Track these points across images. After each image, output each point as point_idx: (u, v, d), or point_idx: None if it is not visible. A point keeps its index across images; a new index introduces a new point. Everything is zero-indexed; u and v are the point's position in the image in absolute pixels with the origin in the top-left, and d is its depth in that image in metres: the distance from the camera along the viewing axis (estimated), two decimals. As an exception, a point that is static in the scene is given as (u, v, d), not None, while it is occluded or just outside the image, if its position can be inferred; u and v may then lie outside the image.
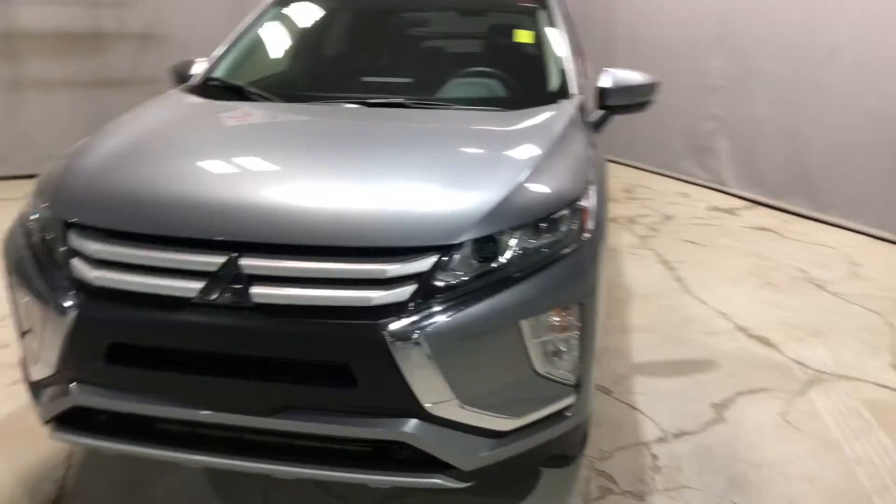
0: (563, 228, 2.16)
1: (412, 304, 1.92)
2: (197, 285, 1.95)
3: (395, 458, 2.04)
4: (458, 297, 1.96)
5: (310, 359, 1.94)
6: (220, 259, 1.95)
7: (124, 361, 2.01)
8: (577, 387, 2.20)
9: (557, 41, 3.32)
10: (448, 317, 1.93)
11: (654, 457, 2.81)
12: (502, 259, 2.04)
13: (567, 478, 2.67)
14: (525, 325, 2.03)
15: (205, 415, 2.01)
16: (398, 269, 1.94)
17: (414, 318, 1.91)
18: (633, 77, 3.21)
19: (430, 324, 1.91)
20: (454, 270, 1.99)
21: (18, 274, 2.16)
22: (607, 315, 4.03)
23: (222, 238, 1.96)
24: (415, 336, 1.88)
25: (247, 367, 1.96)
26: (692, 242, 5.48)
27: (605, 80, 3.15)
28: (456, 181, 2.18)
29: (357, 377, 1.92)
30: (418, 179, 2.20)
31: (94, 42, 7.15)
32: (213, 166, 2.26)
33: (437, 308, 1.94)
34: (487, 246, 2.04)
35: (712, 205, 6.55)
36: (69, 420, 2.14)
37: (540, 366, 2.10)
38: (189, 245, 1.99)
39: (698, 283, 4.62)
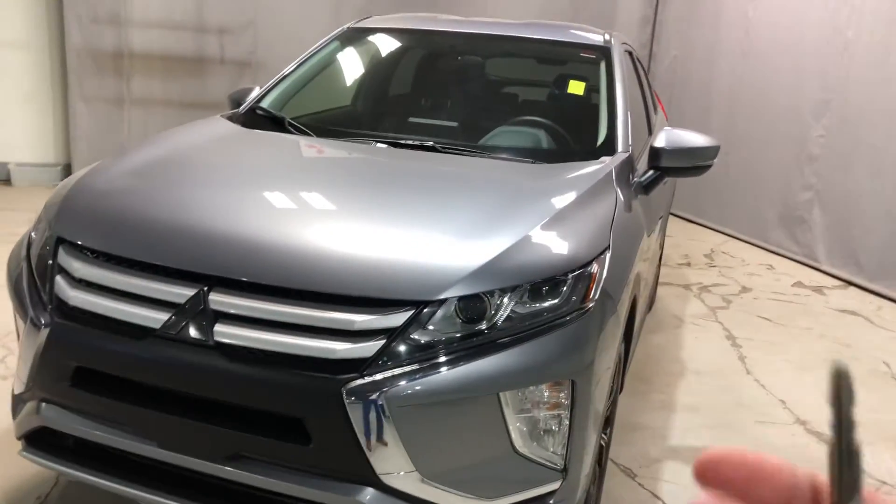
0: (563, 295, 1.97)
1: (379, 361, 1.78)
2: (163, 316, 1.88)
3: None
4: (431, 358, 1.81)
5: (265, 408, 1.82)
6: (189, 291, 1.88)
7: (88, 386, 1.96)
8: (565, 471, 1.99)
9: (613, 95, 3.15)
10: (416, 379, 1.78)
11: (667, 557, 2.53)
12: (488, 322, 1.88)
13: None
14: (506, 397, 1.85)
15: (160, 453, 1.92)
16: (367, 322, 1.81)
17: (378, 376, 1.76)
18: (692, 139, 2.99)
19: (395, 385, 1.76)
20: (433, 329, 1.84)
21: (13, 285, 2.17)
22: (651, 389, 3.74)
23: (193, 270, 1.89)
24: (374, 396, 1.74)
25: (204, 409, 1.87)
26: (766, 319, 5.08)
27: (660, 140, 2.95)
28: (450, 233, 2.04)
29: (311, 434, 1.78)
30: (411, 228, 2.08)
31: (196, 66, 7.46)
32: (204, 196, 2.22)
33: (405, 368, 1.78)
34: (474, 306, 1.88)
35: (798, 280, 6.08)
36: (38, 439, 2.10)
37: (521, 444, 1.90)
38: (163, 274, 1.93)
39: (762, 366, 4.24)
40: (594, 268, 2.07)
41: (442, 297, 1.85)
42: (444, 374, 1.79)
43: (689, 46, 7.94)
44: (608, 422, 2.74)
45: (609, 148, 2.87)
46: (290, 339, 1.81)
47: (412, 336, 1.82)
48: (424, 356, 1.80)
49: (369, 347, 1.79)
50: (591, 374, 1.96)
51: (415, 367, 1.79)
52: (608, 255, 2.15)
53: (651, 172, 3.05)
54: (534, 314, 1.92)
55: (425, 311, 1.84)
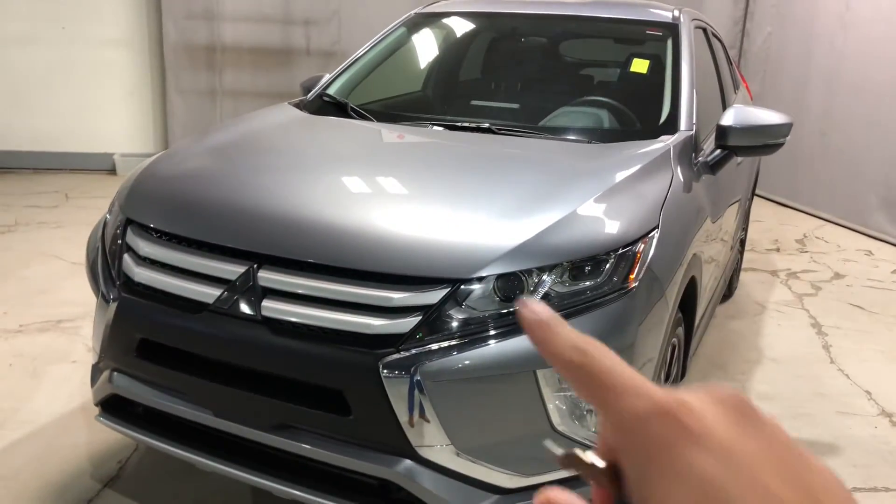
0: (604, 274, 1.95)
1: (415, 336, 1.82)
2: (216, 292, 1.98)
3: (392, 498, 1.94)
4: (467, 335, 1.84)
5: (308, 380, 1.90)
6: (240, 269, 1.98)
7: (152, 357, 2.09)
8: (606, 452, 1.97)
9: (678, 73, 3.06)
10: (452, 355, 1.81)
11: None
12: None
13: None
14: (543, 375, 1.86)
15: (215, 421, 2.03)
16: (404, 299, 1.85)
17: (413, 351, 1.81)
18: (762, 116, 2.88)
19: (430, 360, 1.80)
20: (470, 306, 1.87)
21: (90, 265, 2.34)
22: (725, 376, 3.64)
23: (243, 248, 1.98)
24: (409, 371, 1.78)
25: (254, 380, 1.96)
26: (859, 307, 4.82)
27: (727, 118, 2.85)
28: (491, 212, 2.05)
29: (351, 406, 1.85)
30: (452, 207, 2.10)
31: (283, 57, 7.70)
32: (257, 179, 2.31)
33: (441, 344, 1.82)
34: (511, 284, 1.90)
35: (898, 267, 5.74)
36: (111, 407, 2.26)
37: (559, 422, 1.91)
38: (218, 252, 2.03)
39: (849, 355, 4.04)
40: (639, 247, 2.04)
41: (478, 275, 1.87)
42: (479, 351, 1.82)
43: (784, 21, 7.57)
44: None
45: (671, 127, 2.80)
46: (331, 315, 1.87)
47: (449, 313, 1.85)
48: (460, 333, 1.83)
49: (406, 323, 1.83)
50: (632, 354, 1.94)
51: (450, 343, 1.82)
52: (656, 235, 2.11)
53: (718, 152, 2.96)
54: (573, 293, 1.91)
55: (462, 288, 1.87)
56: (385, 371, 1.79)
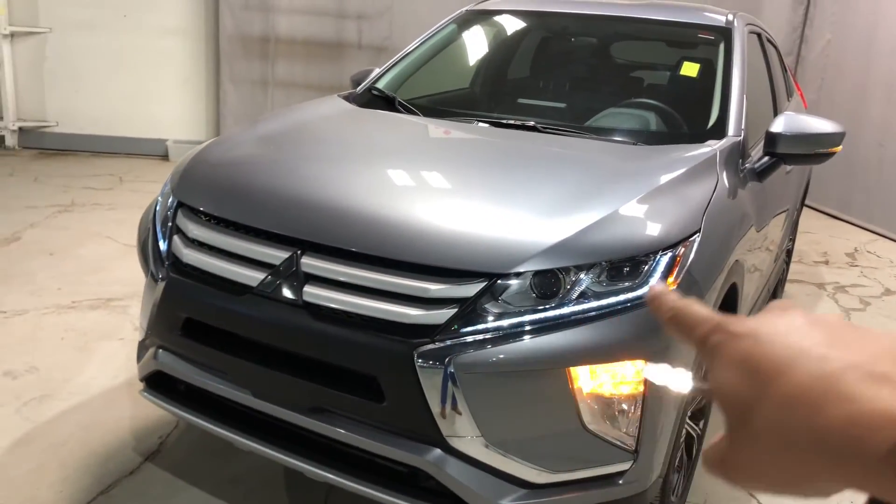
0: (642, 276, 1.95)
1: (451, 328, 1.85)
2: (260, 276, 2.04)
3: (421, 486, 1.97)
4: (502, 329, 1.86)
5: (344, 366, 1.94)
6: (284, 254, 2.03)
7: (196, 337, 2.16)
8: (636, 453, 1.98)
9: (728, 77, 3.03)
10: (485, 348, 1.83)
11: (753, 556, 2.44)
12: (562, 298, 1.90)
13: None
14: (576, 373, 1.87)
15: (254, 402, 2.09)
16: (441, 291, 1.88)
17: (448, 342, 1.84)
18: (814, 124, 2.84)
19: (464, 352, 1.82)
20: (506, 301, 1.89)
21: (140, 245, 2.42)
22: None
23: (288, 234, 2.03)
24: (443, 361, 1.81)
25: (292, 363, 2.01)
26: (907, 324, 4.70)
27: (778, 125, 2.82)
28: (531, 209, 2.07)
29: (385, 393, 1.89)
30: (492, 203, 2.12)
31: (335, 51, 7.80)
32: (305, 167, 2.36)
33: (475, 337, 1.84)
34: (549, 281, 1.91)
35: (953, 285, 5.57)
36: (155, 383, 2.34)
37: (590, 421, 1.92)
38: (264, 237, 2.09)
39: (895, 372, 3.94)
40: (679, 251, 2.03)
41: (515, 270, 1.89)
42: (512, 346, 1.84)
43: (844, 28, 7.39)
44: (701, 413, 2.68)
45: (719, 132, 2.77)
46: (369, 303, 1.91)
47: (485, 307, 1.87)
48: (495, 327, 1.85)
49: (441, 315, 1.86)
50: (667, 357, 1.93)
51: (485, 336, 1.84)
52: (697, 239, 2.10)
53: (766, 159, 2.92)
54: (611, 293, 1.92)
55: (499, 283, 1.89)
56: (419, 360, 1.82)
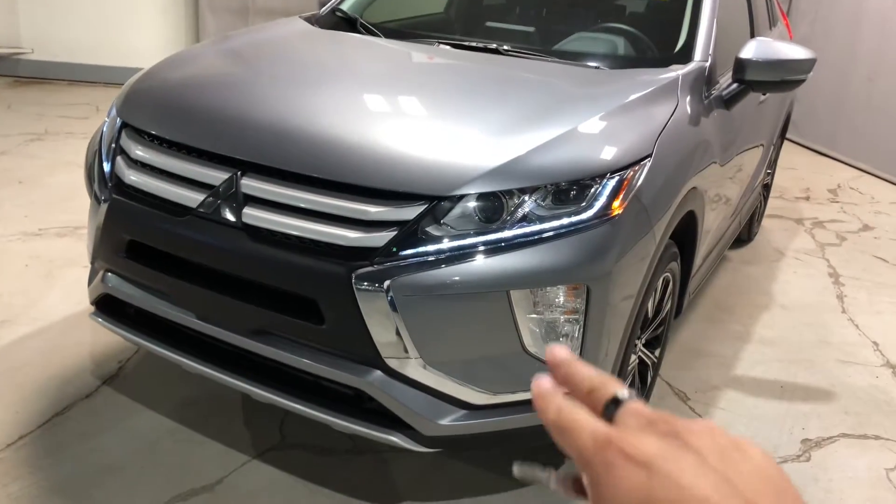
0: (587, 200, 1.93)
1: (390, 251, 1.83)
2: (200, 197, 2.00)
3: (365, 407, 1.98)
4: (442, 252, 1.84)
5: (284, 288, 1.92)
6: (224, 175, 1.99)
7: (140, 259, 2.13)
8: (578, 377, 1.98)
9: (698, 1, 2.93)
10: (424, 271, 1.81)
11: (700, 479, 2.48)
12: (505, 222, 1.87)
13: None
14: (516, 296, 1.86)
15: (198, 324, 2.08)
16: (381, 213, 1.85)
17: (387, 265, 1.82)
18: (783, 50, 2.77)
19: (402, 275, 1.80)
20: (448, 224, 1.86)
21: (87, 169, 2.37)
22: (730, 319, 3.60)
23: (228, 154, 1.99)
24: (381, 284, 1.80)
25: (234, 285, 2.00)
26: (882, 260, 4.70)
27: (747, 51, 2.75)
28: (478, 131, 2.03)
29: (324, 315, 1.88)
30: (439, 124, 2.08)
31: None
32: (249, 87, 2.30)
33: (414, 260, 1.82)
34: (491, 204, 1.88)
35: (932, 222, 5.56)
36: (106, 306, 2.33)
37: (531, 344, 1.92)
38: (206, 158, 2.04)
39: (862, 306, 3.96)
40: (627, 175, 2.00)
41: (457, 193, 1.86)
42: (452, 269, 1.82)
43: (839, -41, 7.19)
44: (658, 341, 2.69)
45: (685, 56, 2.70)
46: (309, 225, 1.89)
47: (427, 230, 1.85)
48: (435, 250, 1.83)
49: (381, 237, 1.84)
50: (609, 282, 1.92)
51: (424, 259, 1.82)
52: (648, 164, 2.07)
53: (735, 86, 2.87)
54: (554, 217, 1.90)
55: (441, 206, 1.86)
56: (358, 283, 1.80)
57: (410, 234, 1.84)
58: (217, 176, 2.00)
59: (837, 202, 5.92)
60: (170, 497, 2.20)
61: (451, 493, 2.31)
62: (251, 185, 1.96)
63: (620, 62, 2.71)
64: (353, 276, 1.81)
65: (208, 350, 2.13)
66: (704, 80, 2.67)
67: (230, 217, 1.96)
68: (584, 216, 1.91)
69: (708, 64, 2.71)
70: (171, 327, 2.22)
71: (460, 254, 1.83)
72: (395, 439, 1.93)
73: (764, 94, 3.50)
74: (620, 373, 2.20)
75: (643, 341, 2.53)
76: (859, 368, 3.30)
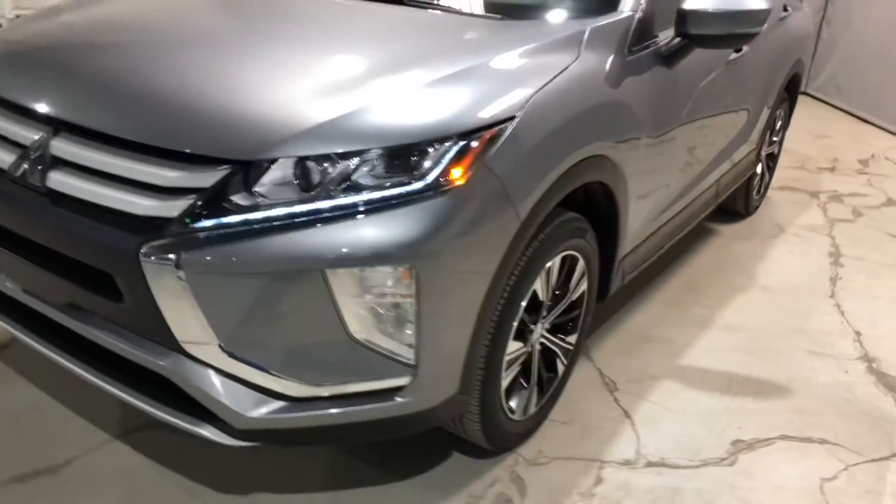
0: (420, 168, 1.68)
1: (184, 221, 1.63)
2: (12, 158, 1.84)
3: (182, 395, 1.79)
4: (246, 224, 1.62)
5: (82, 260, 1.75)
6: (37, 134, 1.82)
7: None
8: (416, 367, 1.76)
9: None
10: (223, 246, 1.61)
11: (599, 480, 2.23)
12: (322, 190, 1.65)
13: (471, 471, 2.22)
14: (336, 276, 1.64)
15: (22, 295, 1.95)
16: (178, 179, 1.65)
17: (180, 238, 1.62)
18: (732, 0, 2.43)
19: (196, 249, 1.60)
20: (259, 193, 1.65)
21: None
22: (696, 301, 3.29)
23: (42, 111, 1.83)
24: (170, 258, 1.60)
25: (47, 256, 1.83)
26: (896, 238, 4.26)
27: (690, 1, 2.42)
28: (304, 87, 1.79)
29: (122, 292, 1.70)
30: (259, 80, 1.83)
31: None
32: (79, 43, 2.11)
33: (211, 233, 1.62)
34: (306, 171, 1.66)
35: (968, 197, 5.02)
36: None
37: (359, 330, 1.70)
38: (24, 114, 1.88)
39: (856, 290, 3.57)
40: (476, 140, 1.73)
41: (266, 157, 1.64)
42: (255, 243, 1.60)
43: None
44: (573, 326, 2.43)
45: (610, 6, 2.38)
46: (108, 192, 1.71)
47: (230, 198, 1.64)
48: (238, 222, 1.62)
49: (176, 206, 1.64)
50: (442, 263, 1.68)
51: (223, 232, 1.61)
52: (509, 128, 1.79)
53: (677, 41, 2.54)
54: (381, 186, 1.66)
55: (249, 172, 1.64)
56: (145, 256, 1.61)
57: (209, 203, 1.63)
58: (29, 136, 1.83)
59: (866, 174, 5.42)
60: (9, 476, 2.09)
61: (320, 485, 2.13)
62: (61, 146, 1.79)
63: (531, 12, 2.40)
64: (142, 248, 1.61)
65: (39, 323, 1.99)
66: (631, 33, 2.35)
67: (35, 181, 1.79)
68: (414, 187, 1.66)
69: (639, 15, 2.39)
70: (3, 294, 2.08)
71: (266, 227, 1.62)
72: (205, 432, 1.75)
73: (738, 52, 3.13)
74: (490, 363, 1.96)
75: (545, 327, 2.28)
76: (829, 361, 2.95)
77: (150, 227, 1.65)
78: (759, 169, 4.20)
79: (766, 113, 3.82)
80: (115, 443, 2.24)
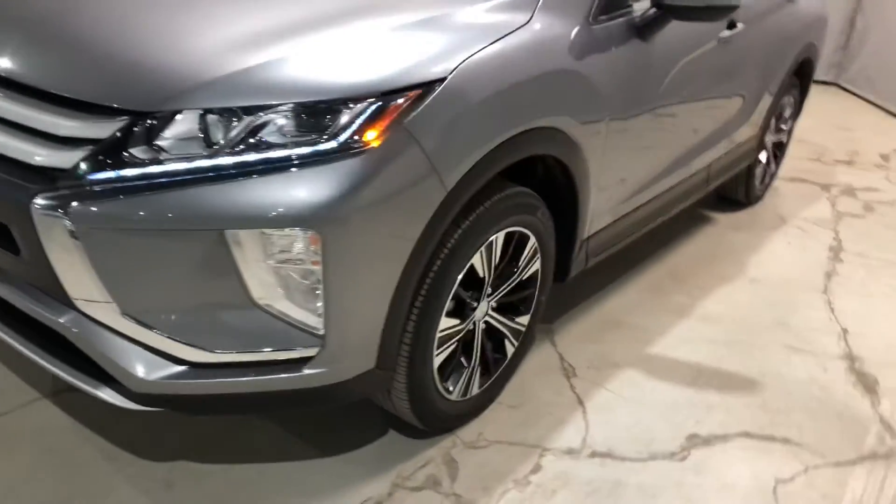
0: (332, 127, 1.58)
1: (76, 173, 1.55)
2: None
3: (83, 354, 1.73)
4: (141, 179, 1.54)
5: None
6: (-50, 82, 1.76)
7: None
8: (324, 337, 1.67)
9: None
10: (117, 200, 1.53)
11: (537, 468, 2.13)
12: (225, 147, 1.56)
13: (405, 451, 2.14)
14: (237, 237, 1.55)
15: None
16: (74, 129, 1.58)
17: (72, 190, 1.54)
18: (711, -31, 2.28)
19: (87, 203, 1.53)
20: (155, 146, 1.56)
21: None
22: (677, 290, 3.16)
23: None
24: (60, 211, 1.53)
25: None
26: (906, 236, 4.04)
27: (665, -31, 2.28)
28: (215, 35, 1.70)
29: (19, 244, 1.64)
30: (169, 26, 1.74)
31: None
32: None
33: (104, 186, 1.54)
34: (209, 125, 1.57)
35: None
36: None
37: (262, 295, 1.62)
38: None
39: (852, 286, 3.39)
40: (395, 100, 1.63)
41: (166, 109, 1.55)
42: (151, 198, 1.52)
43: None
44: (525, 306, 2.32)
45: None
46: (4, 139, 1.64)
47: (127, 151, 1.56)
48: (134, 176, 1.54)
49: (69, 157, 1.56)
50: (352, 230, 1.57)
51: (118, 185, 1.54)
52: (437, 90, 1.68)
53: (652, 11, 2.39)
54: (286, 144, 1.57)
55: (148, 123, 1.56)
56: (37, 209, 1.54)
57: (105, 155, 1.55)
58: None
59: (885, 168, 5.17)
60: (-70, 430, 2.06)
61: (242, 457, 2.07)
62: (-28, 93, 1.73)
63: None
64: (34, 200, 1.54)
65: None
66: (598, 1, 2.21)
67: None
68: (323, 147, 1.57)
69: (610, -19, 2.25)
70: None
71: (164, 182, 1.54)
72: (104, 395, 1.69)
73: (731, 28, 2.96)
74: (417, 338, 1.87)
75: (491, 305, 2.17)
76: (808, 358, 2.80)
77: (48, 178, 1.58)
78: (762, 157, 4.01)
79: (768, 98, 3.63)
80: (43, 401, 2.20)
